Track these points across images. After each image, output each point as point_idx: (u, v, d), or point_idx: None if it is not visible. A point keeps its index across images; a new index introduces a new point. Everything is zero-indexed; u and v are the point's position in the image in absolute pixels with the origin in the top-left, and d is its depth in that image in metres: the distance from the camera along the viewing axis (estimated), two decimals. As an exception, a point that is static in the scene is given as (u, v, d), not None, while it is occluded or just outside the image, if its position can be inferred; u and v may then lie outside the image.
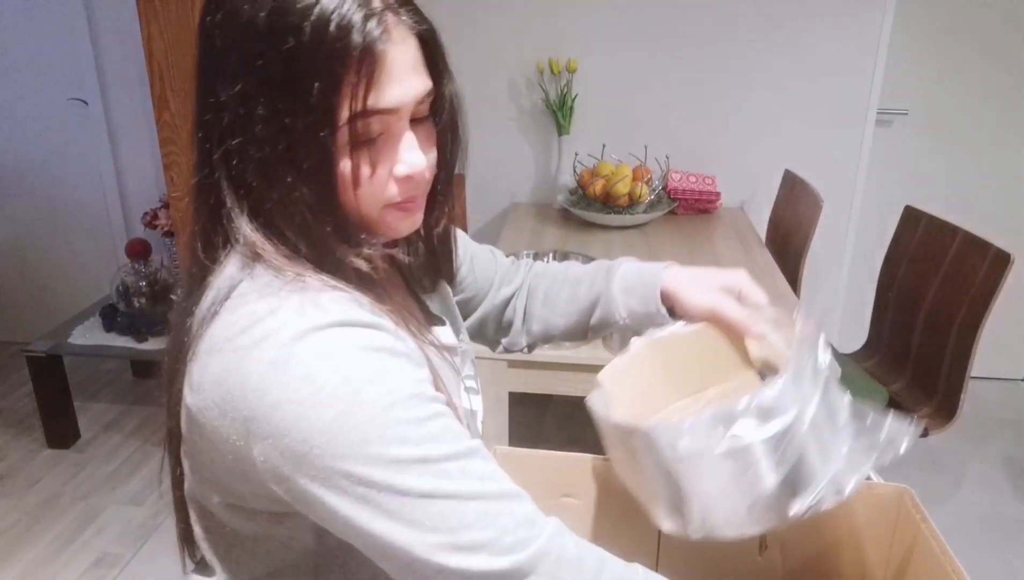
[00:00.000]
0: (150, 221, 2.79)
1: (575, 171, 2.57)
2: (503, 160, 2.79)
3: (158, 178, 2.93)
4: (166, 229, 2.75)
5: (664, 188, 2.56)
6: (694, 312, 0.80)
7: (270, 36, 0.56)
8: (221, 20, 0.58)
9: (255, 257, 0.61)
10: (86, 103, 2.89)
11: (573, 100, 2.61)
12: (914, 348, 1.96)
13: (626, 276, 0.88)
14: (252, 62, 0.57)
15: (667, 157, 2.59)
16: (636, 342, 0.79)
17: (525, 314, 0.97)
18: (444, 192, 0.73)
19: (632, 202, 2.39)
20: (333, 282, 0.61)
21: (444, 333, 0.78)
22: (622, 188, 2.36)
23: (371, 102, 0.58)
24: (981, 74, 2.65)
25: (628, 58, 2.63)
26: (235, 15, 0.57)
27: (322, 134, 0.57)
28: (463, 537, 0.55)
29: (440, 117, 0.68)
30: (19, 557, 2.05)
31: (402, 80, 0.60)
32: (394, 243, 0.73)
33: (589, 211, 2.41)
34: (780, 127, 2.66)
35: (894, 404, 1.90)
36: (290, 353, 0.55)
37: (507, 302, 0.98)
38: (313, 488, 0.56)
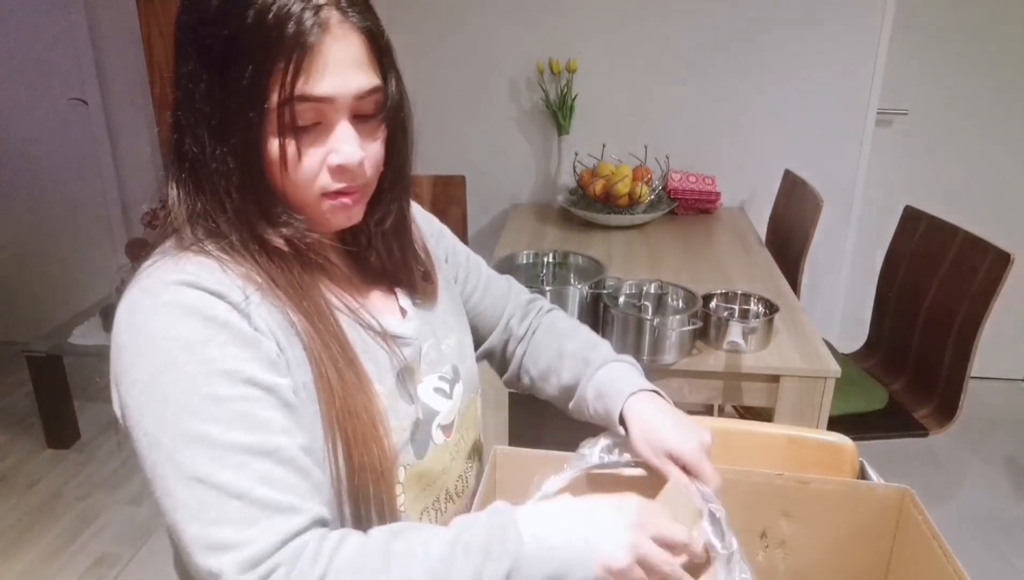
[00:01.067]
0: (150, 221, 2.79)
1: (575, 171, 2.57)
2: (503, 160, 2.79)
3: (158, 178, 2.91)
4: (159, 223, 2.75)
5: (664, 188, 2.56)
6: (639, 458, 0.80)
7: (218, 20, 0.60)
8: (187, 4, 0.63)
9: (179, 226, 0.67)
10: (86, 103, 2.89)
11: (573, 100, 2.61)
12: (914, 348, 1.96)
13: (600, 382, 0.87)
14: (201, 42, 0.61)
15: (667, 157, 2.59)
16: (573, 470, 0.77)
17: (521, 363, 0.98)
18: (391, 190, 0.76)
19: (632, 202, 2.39)
20: (221, 253, 0.65)
21: (395, 322, 0.79)
22: (622, 188, 2.36)
23: (299, 90, 0.61)
24: (981, 74, 2.65)
25: (628, 58, 2.63)
26: (197, 1, 0.62)
27: (251, 114, 0.61)
28: (217, 534, 0.55)
29: (389, 117, 0.70)
30: (19, 557, 2.05)
31: (339, 73, 0.62)
32: (354, 238, 0.77)
33: (589, 211, 2.41)
34: (780, 127, 2.66)
35: (894, 404, 1.90)
36: (137, 304, 0.62)
37: (509, 342, 0.99)
38: (134, 436, 0.60)
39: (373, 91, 0.65)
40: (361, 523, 0.70)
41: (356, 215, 0.71)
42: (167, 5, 2.18)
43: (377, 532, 0.61)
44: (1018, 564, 2.05)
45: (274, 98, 0.61)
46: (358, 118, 0.66)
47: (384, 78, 0.67)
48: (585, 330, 0.96)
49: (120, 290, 2.50)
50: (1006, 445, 2.60)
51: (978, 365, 1.73)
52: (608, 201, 2.40)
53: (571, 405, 0.90)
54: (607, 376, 0.86)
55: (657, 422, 0.79)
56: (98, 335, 2.50)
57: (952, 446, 2.53)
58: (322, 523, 0.60)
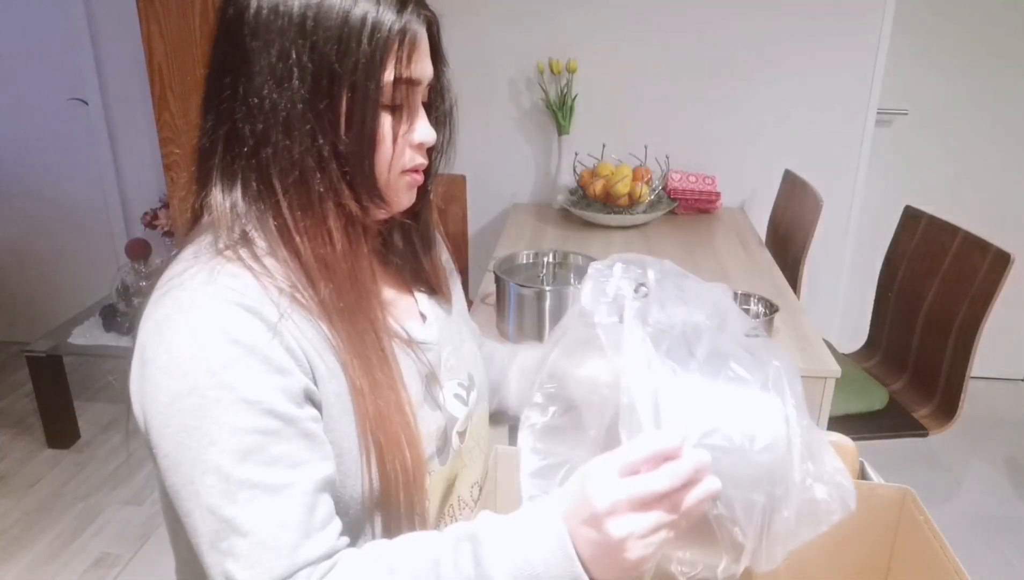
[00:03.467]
0: (150, 221, 2.80)
1: (575, 171, 2.57)
2: (503, 160, 2.78)
3: (158, 178, 2.93)
4: (166, 229, 2.75)
5: (664, 188, 2.56)
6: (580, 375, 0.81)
7: (320, 2, 0.63)
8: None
9: (215, 224, 0.66)
10: (86, 103, 2.89)
11: (573, 100, 2.61)
12: (914, 348, 1.96)
13: (524, 361, 0.92)
14: (301, 23, 0.63)
15: (667, 157, 2.59)
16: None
17: None
18: (427, 179, 0.79)
19: (632, 202, 2.39)
20: (253, 262, 0.64)
21: (416, 328, 0.79)
22: (622, 188, 2.36)
23: (413, 71, 0.67)
24: (981, 74, 2.65)
25: (628, 58, 2.63)
26: None
27: (370, 85, 0.64)
28: (228, 565, 0.57)
29: (438, 106, 0.75)
30: (19, 557, 2.05)
31: (425, 58, 0.69)
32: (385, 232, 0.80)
33: (589, 211, 2.41)
34: (780, 127, 2.66)
35: (894, 404, 1.90)
36: (169, 316, 0.61)
37: None
38: (155, 453, 0.60)
39: (431, 79, 0.72)
40: (390, 530, 0.71)
41: (414, 195, 0.75)
42: (167, 5, 2.18)
43: (360, 562, 0.61)
44: (1018, 564, 2.05)
45: (389, 74, 0.65)
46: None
47: (438, 68, 0.73)
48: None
49: (121, 291, 2.48)
50: (1006, 445, 2.60)
51: (978, 365, 1.73)
52: (608, 201, 2.40)
53: (496, 402, 0.94)
54: (527, 359, 0.93)
55: None
56: (98, 335, 2.50)
57: (952, 446, 2.53)
58: (318, 559, 0.60)
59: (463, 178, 2.73)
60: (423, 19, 0.68)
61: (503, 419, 0.94)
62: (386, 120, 0.67)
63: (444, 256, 0.93)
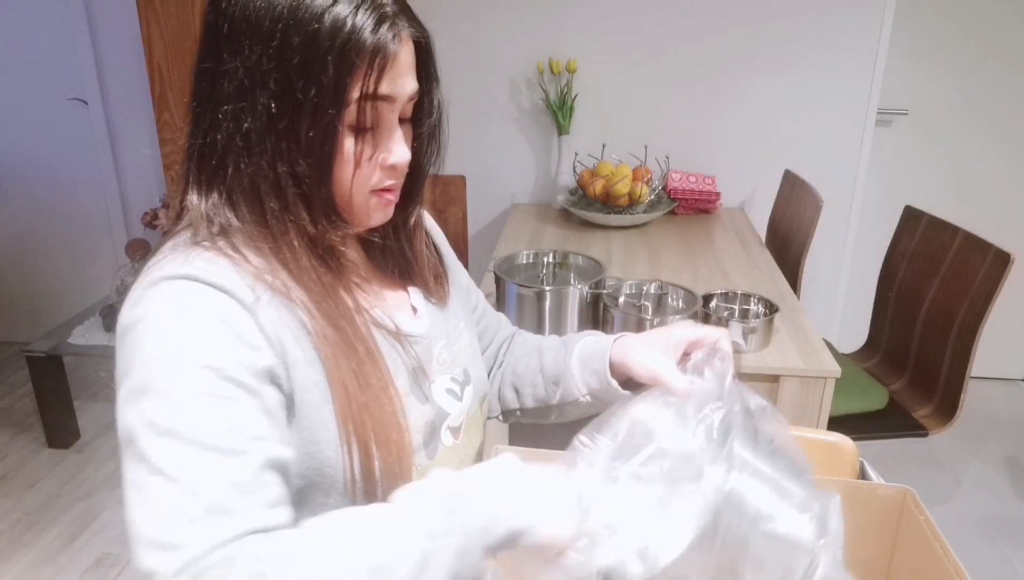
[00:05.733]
0: (150, 221, 2.79)
1: (575, 171, 2.57)
2: (503, 160, 2.79)
3: (158, 178, 2.93)
4: (166, 229, 2.75)
5: (664, 188, 2.56)
6: (641, 377, 0.80)
7: (291, 19, 0.61)
8: (240, 3, 0.63)
9: (192, 223, 0.67)
10: (86, 103, 2.89)
11: (573, 100, 2.61)
12: (914, 348, 1.96)
13: (582, 350, 0.90)
14: (269, 39, 0.62)
15: (667, 157, 2.59)
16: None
17: (502, 381, 0.98)
18: (415, 191, 0.79)
19: (632, 202, 2.39)
20: (233, 251, 0.65)
21: (406, 320, 0.79)
22: (622, 188, 2.36)
23: (381, 89, 0.65)
24: (981, 74, 2.65)
25: (628, 58, 2.63)
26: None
27: (331, 111, 0.63)
28: (163, 530, 0.54)
29: (424, 121, 0.74)
30: (19, 557, 2.05)
31: (402, 76, 0.66)
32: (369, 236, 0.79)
33: (589, 211, 2.41)
34: (780, 127, 2.66)
35: (894, 404, 1.90)
36: (144, 294, 0.62)
37: (493, 367, 1.00)
38: (117, 431, 0.59)
39: (414, 95, 0.70)
40: None
41: (390, 213, 0.74)
42: (167, 6, 2.18)
43: (312, 521, 0.58)
44: (1018, 564, 2.05)
45: (354, 95, 0.63)
46: (400, 121, 0.70)
47: (426, 85, 0.72)
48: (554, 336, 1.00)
49: (120, 290, 2.48)
50: (1006, 445, 2.60)
51: (978, 365, 1.73)
52: (608, 201, 2.40)
53: (557, 398, 0.91)
54: (584, 347, 0.90)
55: (650, 332, 0.84)
56: (98, 335, 2.50)
57: (952, 446, 2.53)
58: (265, 531, 0.57)
59: (463, 178, 2.73)
60: (405, 36, 0.66)
61: (571, 410, 0.92)
62: (348, 142, 0.66)
63: (445, 250, 0.93)
